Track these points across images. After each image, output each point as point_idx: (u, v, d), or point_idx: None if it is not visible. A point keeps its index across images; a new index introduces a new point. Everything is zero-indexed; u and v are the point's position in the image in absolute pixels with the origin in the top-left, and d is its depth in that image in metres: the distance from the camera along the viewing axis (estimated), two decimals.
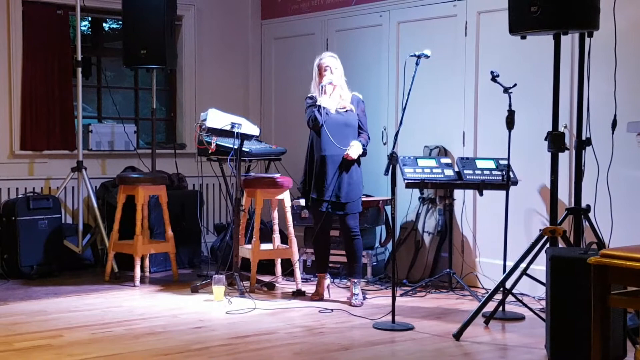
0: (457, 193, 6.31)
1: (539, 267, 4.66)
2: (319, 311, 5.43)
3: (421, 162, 5.98)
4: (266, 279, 6.28)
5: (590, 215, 4.90)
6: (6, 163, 6.94)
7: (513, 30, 4.75)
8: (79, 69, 6.83)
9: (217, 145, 5.99)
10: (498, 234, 5.62)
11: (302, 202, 5.99)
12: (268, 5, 8.06)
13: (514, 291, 5.09)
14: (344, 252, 5.90)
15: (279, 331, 4.89)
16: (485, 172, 5.84)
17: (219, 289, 5.69)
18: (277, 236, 6.47)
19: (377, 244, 6.76)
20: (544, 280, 4.41)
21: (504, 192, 5.56)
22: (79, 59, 6.81)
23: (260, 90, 8.14)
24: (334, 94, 5.68)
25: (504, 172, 5.67)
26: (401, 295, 5.86)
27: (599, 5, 4.65)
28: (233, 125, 5.77)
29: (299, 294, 5.94)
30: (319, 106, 5.60)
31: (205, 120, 5.77)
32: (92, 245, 7.00)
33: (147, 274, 6.76)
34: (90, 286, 6.22)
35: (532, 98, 5.79)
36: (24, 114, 6.99)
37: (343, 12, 7.30)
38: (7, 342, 4.58)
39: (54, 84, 7.10)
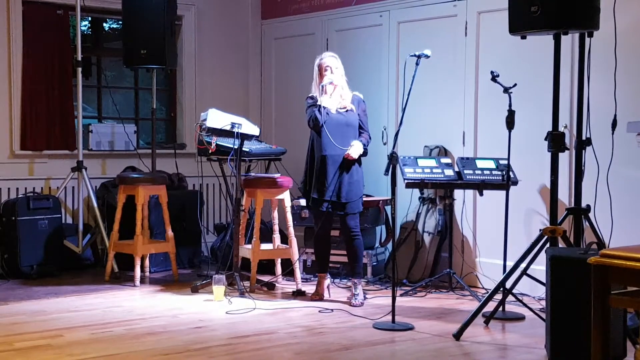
0: (457, 193, 6.31)
1: (539, 267, 4.66)
2: (319, 311, 5.43)
3: (421, 162, 5.98)
4: (266, 279, 6.28)
5: (590, 215, 4.90)
6: (6, 163, 6.94)
7: (513, 30, 4.75)
8: (79, 69, 6.83)
9: (217, 145, 5.99)
10: (498, 234, 5.62)
11: (303, 202, 5.99)
12: (268, 5, 8.05)
13: (514, 291, 5.09)
14: (344, 252, 5.91)
15: (279, 331, 4.89)
16: (485, 172, 5.84)
17: (219, 289, 5.69)
18: (277, 236, 6.47)
19: (377, 244, 6.76)
20: (544, 280, 4.41)
21: (504, 192, 5.56)
22: (79, 59, 6.81)
23: (260, 90, 8.13)
24: (335, 94, 5.68)
25: (504, 172, 5.67)
26: (401, 295, 5.85)
27: (599, 5, 4.64)
28: (233, 125, 5.77)
29: (299, 294, 5.94)
30: (320, 106, 5.59)
31: (205, 120, 5.77)
32: (92, 245, 7.00)
33: (147, 274, 6.75)
34: (90, 286, 6.22)
35: (532, 98, 5.79)
36: (24, 114, 6.99)
37: (343, 12, 7.30)
38: (7, 342, 4.57)
39: (54, 84, 7.10)
